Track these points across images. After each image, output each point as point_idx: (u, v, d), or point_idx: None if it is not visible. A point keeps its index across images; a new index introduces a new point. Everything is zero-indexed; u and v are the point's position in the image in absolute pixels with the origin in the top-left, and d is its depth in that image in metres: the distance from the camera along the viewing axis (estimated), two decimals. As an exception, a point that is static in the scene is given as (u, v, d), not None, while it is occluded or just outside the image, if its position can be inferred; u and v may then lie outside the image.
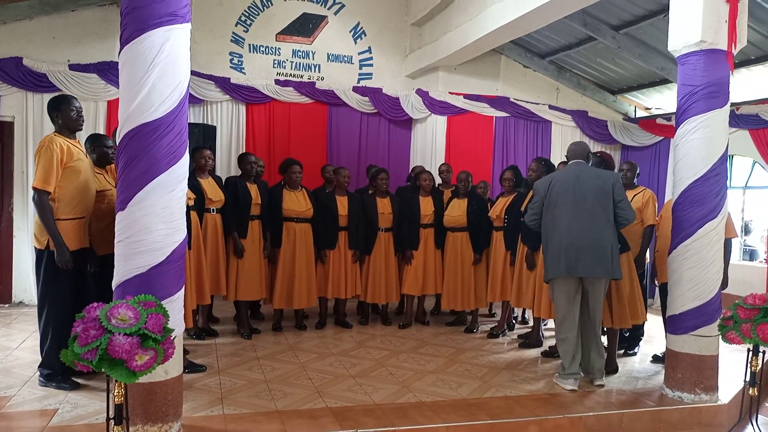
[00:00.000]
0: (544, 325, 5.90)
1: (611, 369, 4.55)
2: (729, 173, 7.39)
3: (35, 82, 6.27)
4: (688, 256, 3.98)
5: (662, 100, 8.34)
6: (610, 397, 4.11)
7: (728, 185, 4.18)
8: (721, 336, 3.44)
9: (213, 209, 4.95)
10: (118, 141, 3.04)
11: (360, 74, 7.93)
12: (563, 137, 8.54)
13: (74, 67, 6.42)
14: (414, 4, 7.96)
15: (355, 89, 7.73)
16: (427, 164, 7.55)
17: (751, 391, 3.44)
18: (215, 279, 4.98)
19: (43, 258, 3.73)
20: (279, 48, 7.61)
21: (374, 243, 5.77)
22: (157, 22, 2.92)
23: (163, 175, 2.98)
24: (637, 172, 5.24)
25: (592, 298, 4.17)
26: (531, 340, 5.38)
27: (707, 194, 3.93)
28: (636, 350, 5.23)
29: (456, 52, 7.10)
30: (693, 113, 3.95)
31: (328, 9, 7.79)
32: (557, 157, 8.11)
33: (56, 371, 3.76)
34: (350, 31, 7.90)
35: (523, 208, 5.19)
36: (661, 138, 8.14)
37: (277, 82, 7.44)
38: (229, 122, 7.30)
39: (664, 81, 7.66)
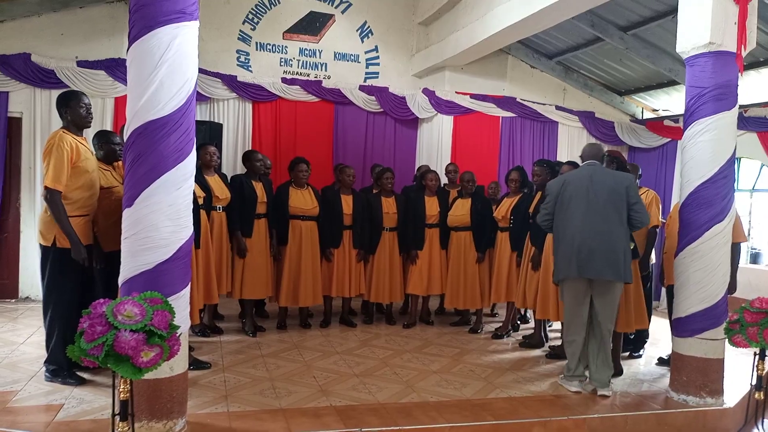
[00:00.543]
0: (550, 326, 5.91)
1: (616, 371, 4.53)
2: (736, 176, 7.35)
3: (43, 78, 6.30)
4: (695, 259, 3.97)
5: (670, 102, 8.31)
6: (614, 399, 4.10)
7: (735, 188, 4.14)
8: (727, 339, 3.43)
9: (219, 207, 4.95)
10: (125, 138, 3.05)
11: (366, 73, 7.93)
12: (570, 138, 8.52)
13: (82, 64, 6.44)
14: (421, 3, 7.95)
15: (362, 88, 7.73)
16: (432, 164, 7.55)
17: (757, 395, 3.43)
18: (219, 277, 4.99)
19: (48, 255, 3.74)
20: (286, 46, 7.62)
21: (378, 242, 5.77)
22: (166, 20, 2.93)
23: (170, 172, 2.98)
24: (639, 173, 5.23)
25: (601, 305, 4.08)
26: (532, 340, 5.38)
27: (715, 196, 3.91)
28: (641, 353, 5.21)
29: (463, 52, 7.09)
30: (701, 115, 3.93)
31: (335, 7, 7.79)
32: (563, 158, 8.08)
33: (62, 367, 3.78)
34: (357, 30, 7.90)
35: (531, 210, 5.18)
36: (669, 140, 8.10)
37: (284, 80, 7.45)
38: (235, 120, 7.31)
39: (671, 82, 7.63)
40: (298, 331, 5.52)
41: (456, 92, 8.01)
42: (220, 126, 6.88)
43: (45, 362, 3.87)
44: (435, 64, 7.72)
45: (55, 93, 6.04)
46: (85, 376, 3.86)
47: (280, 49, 7.61)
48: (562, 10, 5.57)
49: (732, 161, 3.98)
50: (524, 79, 8.42)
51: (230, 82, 7.15)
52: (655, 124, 8.23)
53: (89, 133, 4.13)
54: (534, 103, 8.32)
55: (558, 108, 8.43)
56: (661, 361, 4.95)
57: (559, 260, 4.16)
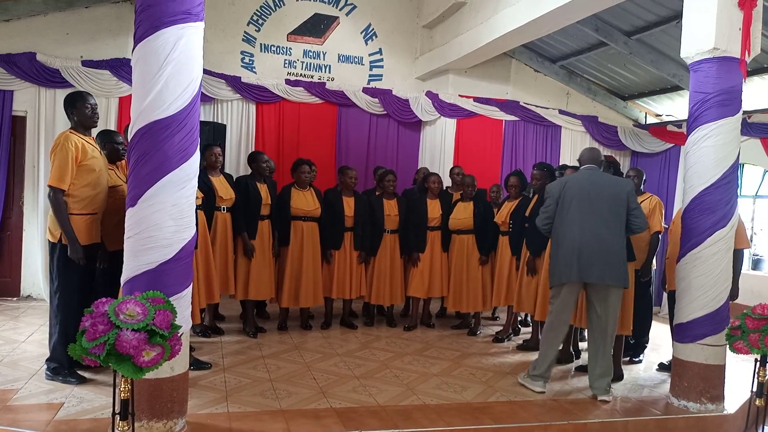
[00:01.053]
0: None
1: (616, 376, 4.51)
2: (739, 182, 7.34)
3: (48, 77, 6.32)
4: (697, 264, 3.96)
5: (673, 107, 8.30)
6: (615, 404, 4.09)
7: (738, 194, 4.14)
8: (728, 345, 3.42)
9: (223, 207, 4.96)
10: (129, 138, 3.06)
11: (370, 75, 7.94)
12: (573, 142, 8.52)
13: (87, 63, 6.46)
14: (425, 6, 7.96)
15: (365, 90, 7.74)
16: (435, 167, 7.55)
17: (757, 402, 3.42)
18: (224, 278, 5.00)
19: (55, 251, 3.78)
20: (290, 48, 7.64)
21: (380, 244, 5.77)
22: (171, 20, 2.94)
23: (174, 172, 2.99)
24: (644, 178, 5.23)
25: (604, 309, 4.06)
26: (531, 343, 5.37)
27: (718, 202, 3.91)
28: (641, 358, 5.20)
29: (467, 55, 7.10)
30: (705, 121, 3.93)
31: (340, 10, 7.80)
32: (566, 162, 8.08)
33: (63, 365, 3.79)
34: (361, 33, 7.91)
35: (528, 213, 5.18)
36: (672, 145, 8.09)
37: (288, 81, 7.46)
38: (239, 121, 7.32)
39: (675, 88, 7.62)
40: (299, 333, 5.52)
41: (459, 95, 8.02)
42: (223, 127, 6.89)
43: (47, 360, 3.88)
44: (439, 67, 7.72)
45: (60, 92, 6.11)
46: (86, 375, 3.87)
47: (284, 50, 7.62)
48: (567, 14, 5.57)
49: (735, 167, 3.97)
50: (528, 83, 8.42)
51: (234, 83, 7.17)
52: (659, 129, 8.23)
53: (95, 132, 4.14)
54: (537, 106, 8.32)
55: (561, 112, 8.43)
56: (662, 367, 4.94)
57: (559, 264, 4.13)
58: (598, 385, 4.11)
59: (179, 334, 2.57)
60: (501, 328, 5.93)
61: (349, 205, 5.64)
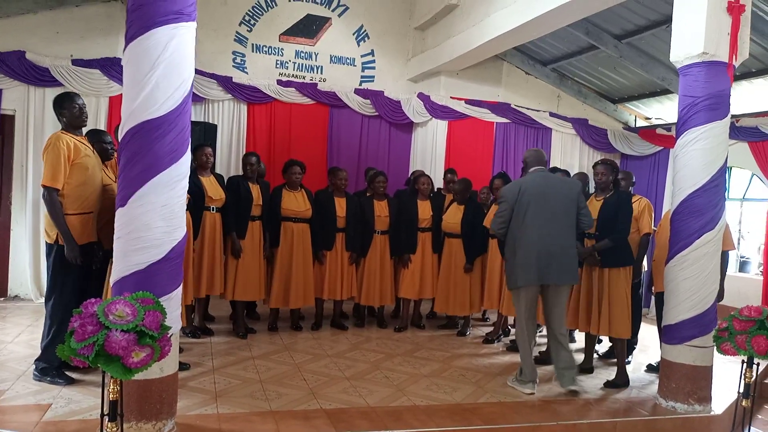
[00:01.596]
0: (540, 331, 5.92)
1: (622, 383, 4.50)
2: (727, 185, 7.41)
3: (37, 76, 6.27)
4: (685, 266, 3.99)
5: (662, 111, 8.37)
6: (603, 405, 4.12)
7: (726, 197, 4.19)
8: (716, 347, 3.45)
9: (213, 207, 4.95)
10: (120, 137, 3.04)
11: (362, 77, 7.94)
12: (563, 145, 8.58)
13: (77, 63, 6.42)
14: (418, 8, 7.98)
15: (357, 91, 7.74)
16: (426, 168, 7.58)
17: (744, 403, 3.46)
18: (211, 278, 4.99)
19: (52, 251, 3.77)
20: (282, 48, 7.63)
21: (370, 245, 5.77)
22: (163, 20, 2.93)
23: (165, 172, 2.98)
24: (632, 180, 5.29)
25: (558, 307, 4.22)
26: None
27: (706, 205, 3.94)
28: (629, 359, 5.23)
29: (458, 58, 7.12)
30: (693, 124, 3.97)
31: (332, 11, 7.80)
32: (557, 164, 8.13)
33: (52, 365, 3.76)
34: (353, 34, 7.91)
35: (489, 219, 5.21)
36: (661, 148, 8.16)
37: (279, 82, 7.45)
38: (230, 121, 7.30)
39: (665, 91, 7.69)
40: (289, 334, 5.51)
41: (451, 97, 8.05)
42: (214, 127, 6.86)
43: (35, 360, 3.85)
44: (430, 69, 7.74)
45: (50, 91, 6.08)
46: (74, 375, 3.84)
47: (276, 51, 7.61)
48: (558, 17, 5.61)
49: (723, 170, 4.01)
50: (519, 86, 8.46)
51: (226, 83, 7.15)
52: (648, 133, 8.29)
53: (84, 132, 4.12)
54: (528, 109, 8.36)
55: (552, 115, 8.48)
56: (650, 368, 4.98)
57: (518, 267, 4.16)
58: (564, 377, 4.22)
59: (169, 335, 2.56)
60: (491, 329, 5.95)
61: (341, 205, 5.64)
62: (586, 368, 4.81)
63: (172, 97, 2.98)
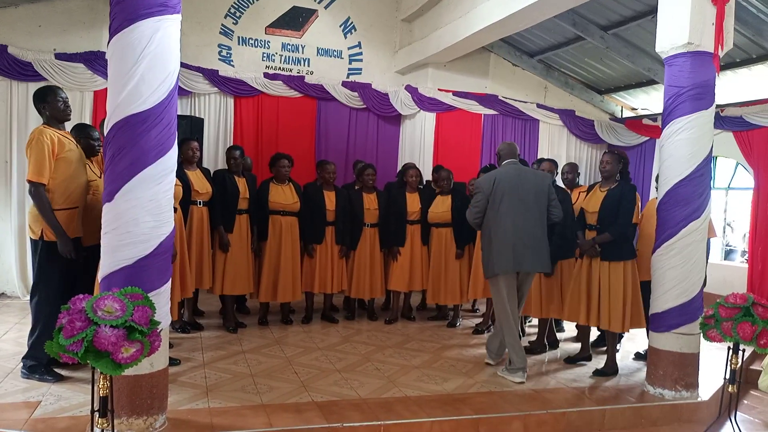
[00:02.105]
0: (529, 322, 5.97)
1: (612, 372, 4.55)
2: (713, 174, 7.49)
3: (20, 71, 6.19)
4: (672, 255, 4.03)
5: (648, 101, 8.43)
6: (592, 393, 4.16)
7: (711, 186, 4.23)
8: (702, 334, 3.50)
9: (200, 202, 4.92)
10: (105, 132, 3.01)
11: (349, 69, 7.92)
12: (551, 136, 8.62)
13: (60, 57, 6.34)
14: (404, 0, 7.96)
15: (345, 84, 7.72)
16: (415, 160, 7.57)
17: (730, 389, 3.51)
18: (200, 272, 4.96)
19: (37, 248, 3.72)
20: (268, 41, 7.58)
21: (360, 238, 5.78)
22: (148, 13, 2.90)
23: (151, 167, 2.96)
24: (578, 172, 5.42)
25: (524, 292, 4.42)
26: None
27: (692, 194, 3.98)
28: (618, 348, 5.27)
29: (446, 49, 7.11)
30: (679, 114, 4.00)
31: (318, 3, 7.76)
32: (544, 155, 8.17)
33: (40, 363, 3.73)
34: (340, 26, 7.88)
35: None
36: (647, 138, 8.23)
37: (266, 75, 7.41)
38: (216, 115, 7.26)
39: (650, 82, 7.74)
40: (280, 327, 5.51)
41: (439, 89, 8.05)
42: (201, 121, 6.83)
43: (23, 358, 3.82)
44: (418, 61, 7.73)
45: (33, 86, 5.98)
46: (63, 372, 3.81)
47: (263, 43, 7.56)
48: (544, 8, 5.62)
49: (709, 160, 4.05)
50: (506, 77, 8.48)
51: (212, 76, 7.10)
52: (634, 123, 8.35)
53: (69, 126, 4.06)
54: (515, 100, 8.38)
55: (539, 106, 8.51)
56: (638, 356, 5.03)
57: (494, 256, 4.27)
58: (495, 351, 4.55)
59: (158, 330, 2.55)
60: (480, 320, 5.98)
61: (330, 199, 5.63)
62: (585, 357, 4.84)
63: (158, 90, 2.95)
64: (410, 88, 7.93)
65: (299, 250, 5.51)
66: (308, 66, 7.74)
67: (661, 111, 4.30)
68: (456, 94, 8.11)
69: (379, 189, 6.07)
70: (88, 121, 6.28)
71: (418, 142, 8.05)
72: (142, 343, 2.40)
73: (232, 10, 7.41)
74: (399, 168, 7.01)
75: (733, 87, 6.98)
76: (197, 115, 7.01)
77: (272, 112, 7.44)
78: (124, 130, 2.92)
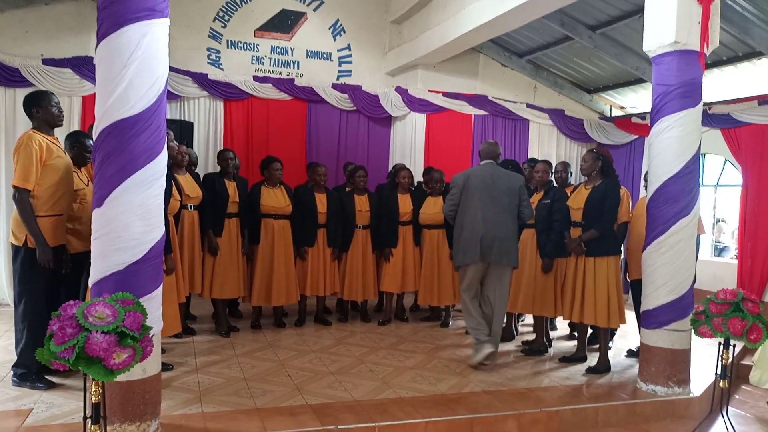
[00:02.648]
0: (522, 321, 5.99)
1: (604, 369, 4.58)
2: (701, 171, 7.54)
3: (7, 77, 6.14)
4: (662, 252, 4.06)
5: (637, 100, 8.48)
6: (586, 391, 4.18)
7: (700, 183, 4.27)
8: (693, 330, 3.52)
9: (190, 206, 4.90)
10: (94, 137, 3.00)
11: (339, 71, 7.92)
12: (540, 135, 8.65)
13: (48, 62, 6.30)
14: (393, 1, 7.97)
15: (335, 86, 7.71)
16: (406, 162, 7.57)
17: (722, 384, 3.53)
18: (191, 277, 4.94)
19: (19, 254, 3.69)
20: (257, 44, 7.56)
21: (351, 240, 5.77)
22: (135, 17, 2.89)
23: (141, 171, 2.94)
24: (570, 171, 5.53)
25: (498, 288, 4.56)
26: (503, 333, 5.43)
27: (681, 191, 4.01)
28: (610, 345, 5.30)
29: (435, 50, 7.13)
30: (667, 112, 4.03)
31: (307, 5, 7.76)
32: (535, 155, 8.20)
33: (30, 370, 3.70)
34: (329, 28, 7.88)
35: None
36: (636, 137, 8.27)
37: (256, 78, 7.39)
38: (206, 118, 7.23)
39: (639, 81, 7.79)
40: (273, 331, 5.49)
41: (429, 90, 8.06)
42: (190, 125, 6.80)
43: (13, 366, 3.78)
44: (408, 62, 7.74)
45: (20, 92, 5.95)
46: (55, 379, 3.78)
47: (252, 47, 7.55)
48: (533, 9, 5.64)
49: (697, 157, 4.08)
50: (496, 77, 8.51)
51: (201, 80, 7.08)
52: (623, 122, 8.40)
53: (59, 132, 4.03)
54: (505, 101, 8.41)
55: (529, 106, 8.54)
56: (630, 353, 5.06)
57: (463, 247, 4.54)
58: (477, 349, 4.52)
59: (150, 336, 2.53)
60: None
61: (321, 201, 5.62)
62: (580, 357, 4.82)
63: (146, 95, 2.94)
64: (400, 90, 7.94)
65: (292, 253, 5.49)
66: (298, 69, 7.73)
67: (649, 109, 4.34)
68: (446, 95, 8.12)
69: (371, 191, 6.07)
70: (77, 126, 6.25)
71: (408, 144, 8.06)
72: (134, 348, 2.38)
73: (221, 14, 7.39)
74: (390, 169, 7.01)
75: (721, 85, 7.04)
76: (187, 119, 6.98)
77: (262, 116, 7.43)
78: (113, 135, 2.91)
